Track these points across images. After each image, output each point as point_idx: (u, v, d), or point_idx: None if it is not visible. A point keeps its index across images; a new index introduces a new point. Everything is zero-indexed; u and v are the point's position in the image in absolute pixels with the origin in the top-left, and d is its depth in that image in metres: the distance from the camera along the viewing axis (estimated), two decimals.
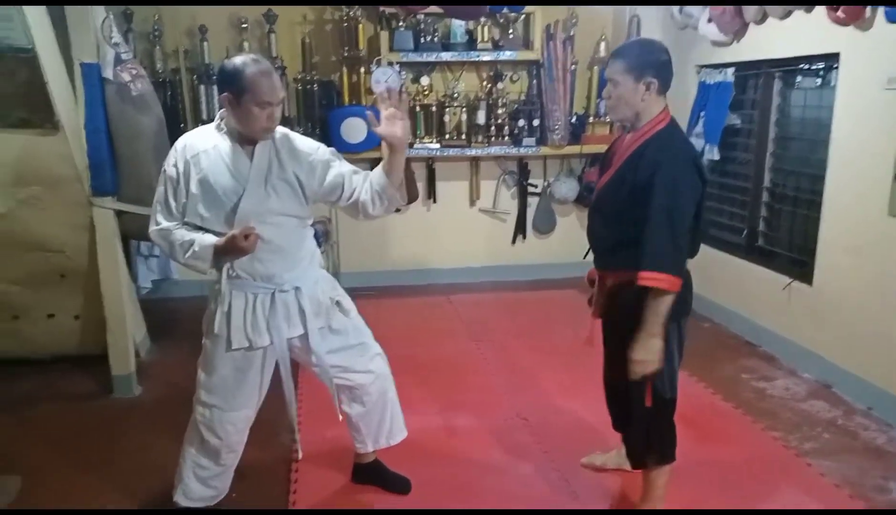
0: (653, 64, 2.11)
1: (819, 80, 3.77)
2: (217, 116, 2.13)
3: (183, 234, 2.07)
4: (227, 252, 2.04)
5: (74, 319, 3.62)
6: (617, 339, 2.23)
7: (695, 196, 2.11)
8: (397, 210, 5.12)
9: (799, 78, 3.94)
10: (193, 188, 2.04)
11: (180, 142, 2.10)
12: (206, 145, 2.07)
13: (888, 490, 2.62)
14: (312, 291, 2.23)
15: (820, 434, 3.04)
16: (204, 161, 2.05)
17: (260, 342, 2.14)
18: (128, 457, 2.88)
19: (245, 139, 2.09)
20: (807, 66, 3.79)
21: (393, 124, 2.06)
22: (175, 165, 2.06)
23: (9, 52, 2.75)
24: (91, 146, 3.07)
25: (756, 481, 2.66)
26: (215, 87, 4.44)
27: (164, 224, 2.09)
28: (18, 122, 2.93)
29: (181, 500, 2.28)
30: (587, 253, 2.43)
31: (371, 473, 2.62)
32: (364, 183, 2.17)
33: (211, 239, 2.05)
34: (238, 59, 2.01)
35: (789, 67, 3.91)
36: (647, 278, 2.03)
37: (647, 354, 2.08)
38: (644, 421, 2.26)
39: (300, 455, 2.61)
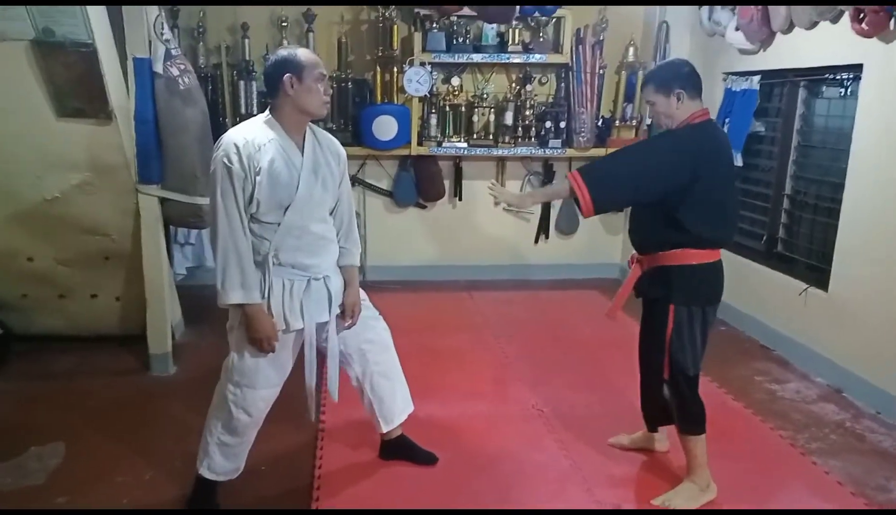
0: (676, 77, 2.39)
1: (842, 90, 3.83)
2: (266, 112, 2.26)
3: (243, 260, 2.16)
4: (250, 325, 2.20)
5: (116, 300, 3.81)
6: (645, 314, 2.59)
7: (674, 168, 2.34)
8: (423, 206, 5.33)
9: (823, 87, 4.00)
10: (258, 179, 2.14)
11: (237, 138, 2.15)
12: (263, 139, 2.18)
13: (889, 489, 2.70)
14: (338, 279, 2.41)
15: (827, 436, 3.12)
16: (266, 153, 2.16)
17: (295, 324, 2.29)
18: (163, 430, 3.06)
19: (295, 131, 2.24)
20: (831, 76, 3.85)
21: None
22: (239, 161, 2.12)
23: (71, 46, 2.93)
24: (140, 136, 3.25)
25: (761, 476, 2.75)
26: (254, 83, 4.65)
27: (235, 220, 2.14)
28: (74, 112, 3.11)
29: (206, 473, 2.41)
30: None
31: (398, 448, 2.77)
32: (339, 228, 2.46)
33: (257, 296, 2.19)
34: (285, 50, 2.23)
35: (814, 77, 3.97)
36: (574, 179, 2.39)
37: (515, 198, 2.85)
38: (659, 389, 2.58)
39: (313, 418, 2.66)
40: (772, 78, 4.28)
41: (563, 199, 2.58)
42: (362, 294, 2.56)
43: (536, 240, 5.59)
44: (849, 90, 3.76)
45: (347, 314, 2.44)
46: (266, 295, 2.24)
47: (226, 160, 2.13)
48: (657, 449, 2.87)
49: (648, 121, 5.05)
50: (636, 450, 2.90)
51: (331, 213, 2.40)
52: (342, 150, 2.43)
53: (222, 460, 2.40)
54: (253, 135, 2.18)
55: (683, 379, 2.48)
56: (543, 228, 5.55)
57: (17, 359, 3.70)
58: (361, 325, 2.51)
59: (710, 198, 2.34)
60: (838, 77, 3.81)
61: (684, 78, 2.39)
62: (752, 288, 4.32)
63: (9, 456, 2.79)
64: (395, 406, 2.66)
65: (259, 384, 2.33)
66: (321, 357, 2.47)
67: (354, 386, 2.60)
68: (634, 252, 2.63)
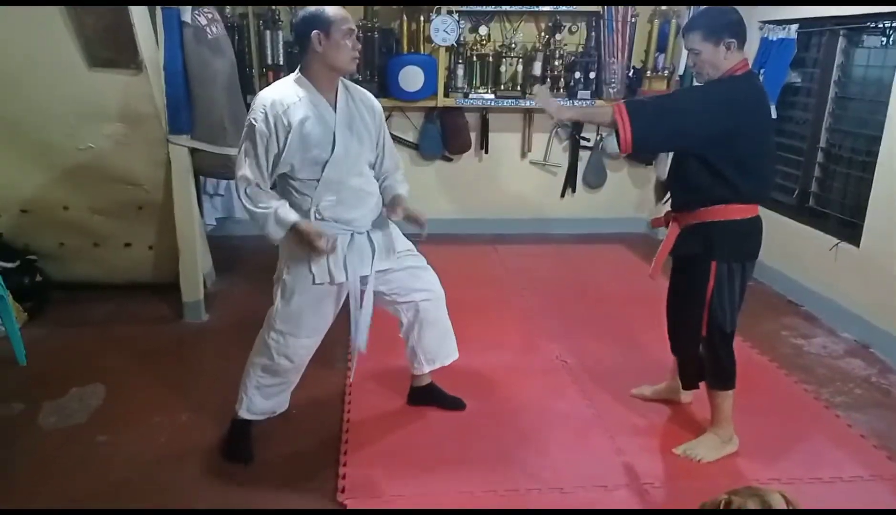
0: (728, 26, 2.30)
1: (884, 39, 3.70)
2: (296, 70, 2.28)
3: (268, 200, 2.22)
4: (301, 240, 2.24)
5: (149, 249, 3.90)
6: (679, 272, 2.57)
7: (713, 116, 2.30)
8: (449, 159, 5.30)
9: (864, 36, 3.87)
10: (288, 140, 2.18)
11: (266, 98, 2.19)
12: (293, 98, 2.20)
13: None
14: (380, 234, 2.45)
15: (852, 390, 3.12)
16: (295, 113, 2.18)
17: (339, 277, 2.35)
18: (198, 374, 3.17)
19: (326, 87, 2.26)
20: (873, 24, 3.72)
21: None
22: (266, 120, 2.16)
23: None
24: (169, 86, 3.27)
25: (783, 429, 2.77)
26: (280, 33, 4.63)
27: (251, 177, 2.20)
28: (105, 62, 3.13)
29: (244, 414, 2.51)
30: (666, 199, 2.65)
31: (427, 394, 2.85)
32: (387, 175, 2.51)
33: (293, 214, 2.23)
34: (313, 6, 2.21)
35: (854, 25, 3.83)
36: (619, 110, 2.31)
37: (551, 104, 2.54)
38: (696, 347, 2.55)
39: (352, 378, 2.83)
40: (810, 27, 4.14)
41: (600, 127, 2.52)
42: (409, 244, 2.61)
43: (563, 194, 5.55)
44: (891, 39, 3.63)
45: (411, 218, 2.48)
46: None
47: (252, 118, 2.20)
48: (680, 400, 2.90)
49: (681, 72, 4.93)
50: (658, 401, 2.94)
51: (371, 167, 2.43)
52: (377, 103, 2.44)
53: (261, 400, 2.50)
54: (282, 94, 2.21)
55: (720, 336, 2.48)
56: (570, 182, 5.51)
57: (56, 306, 3.83)
58: (410, 276, 2.56)
59: (753, 150, 2.32)
60: (880, 25, 3.67)
61: (735, 27, 2.31)
62: (781, 243, 4.27)
63: (52, 397, 2.91)
64: (441, 351, 2.71)
65: (302, 332, 2.40)
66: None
67: (403, 332, 2.66)
68: (667, 211, 2.60)
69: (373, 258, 2.41)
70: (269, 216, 2.22)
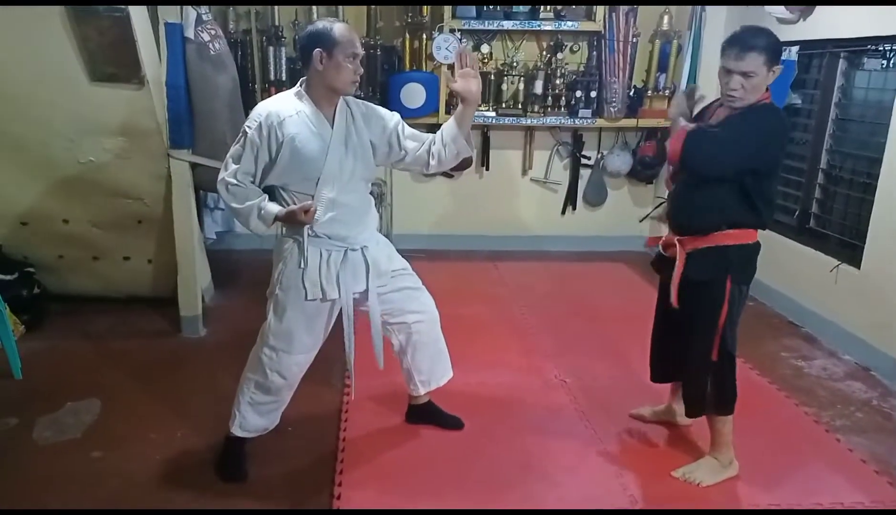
0: (779, 51, 2.25)
1: (884, 62, 3.71)
2: (298, 84, 2.29)
3: (251, 196, 2.24)
4: (287, 221, 2.25)
5: (148, 263, 3.90)
6: (687, 297, 2.44)
7: (767, 152, 2.26)
8: (450, 175, 5.31)
9: (864, 59, 3.88)
10: (280, 152, 2.19)
11: (263, 109, 2.21)
12: (290, 111, 2.21)
13: None
14: (376, 250, 2.43)
15: (853, 413, 3.10)
16: (290, 126, 2.19)
17: (331, 294, 2.33)
18: (194, 390, 3.14)
19: (326, 104, 2.26)
20: (873, 47, 3.73)
21: (467, 81, 2.34)
22: (259, 130, 2.18)
23: (105, 11, 2.96)
24: (171, 101, 3.28)
25: (783, 452, 2.75)
26: (283, 49, 4.65)
27: (234, 180, 2.23)
28: (107, 77, 3.15)
29: (237, 432, 2.48)
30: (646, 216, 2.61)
31: (425, 413, 2.83)
32: (434, 137, 2.42)
33: (274, 207, 2.24)
34: (321, 22, 2.22)
35: (855, 48, 3.85)
36: (679, 136, 2.27)
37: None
38: (707, 374, 2.46)
39: (353, 396, 2.81)
40: (811, 49, 4.15)
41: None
42: (404, 263, 2.58)
43: (563, 211, 5.55)
44: (891, 62, 3.64)
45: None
46: (302, 265, 2.29)
47: (247, 126, 2.23)
48: (679, 422, 2.87)
49: (682, 90, 4.93)
50: (657, 422, 2.92)
51: (368, 184, 2.43)
52: (379, 113, 2.40)
53: (255, 417, 2.48)
54: (280, 107, 2.22)
55: (728, 360, 2.45)
56: (571, 199, 5.51)
57: (53, 319, 3.82)
58: (405, 296, 2.54)
59: (777, 176, 2.35)
60: (881, 48, 3.69)
61: (781, 52, 2.25)
62: (782, 264, 4.26)
63: (47, 411, 2.89)
64: (435, 372, 2.71)
65: (294, 349, 2.39)
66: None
67: (395, 352, 2.65)
68: (665, 235, 2.57)
69: (367, 275, 2.39)
70: (251, 210, 2.23)
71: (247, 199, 2.24)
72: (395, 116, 2.43)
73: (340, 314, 2.41)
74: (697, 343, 2.45)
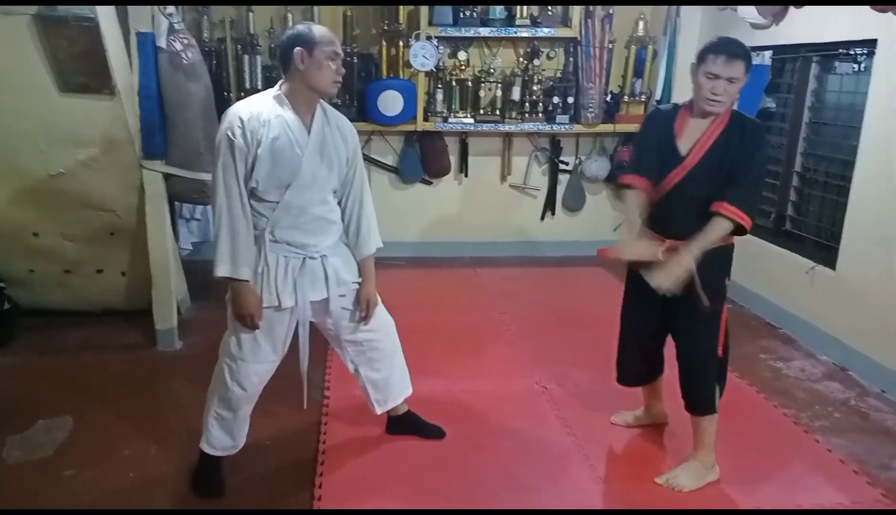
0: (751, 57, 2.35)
1: (856, 66, 3.77)
2: (276, 86, 2.24)
3: (236, 235, 2.16)
4: (235, 300, 2.22)
5: (121, 275, 3.83)
6: (687, 297, 2.39)
7: (764, 174, 2.48)
8: (428, 182, 5.29)
9: (836, 63, 3.93)
10: (258, 155, 2.13)
11: (242, 112, 2.14)
12: (269, 114, 2.16)
13: (893, 468, 2.70)
14: (336, 260, 2.39)
15: (831, 414, 3.12)
16: (270, 130, 2.14)
17: (287, 302, 2.28)
18: (169, 405, 3.08)
19: (305, 109, 2.22)
20: (844, 52, 3.78)
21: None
22: (242, 135, 2.12)
23: (74, 20, 2.92)
24: (143, 111, 3.23)
25: (763, 454, 2.76)
26: (259, 57, 4.61)
27: (234, 195, 2.13)
28: (78, 87, 3.10)
29: (206, 448, 2.44)
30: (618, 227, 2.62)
31: (405, 423, 2.80)
32: (350, 217, 2.43)
33: (244, 272, 2.19)
34: (300, 25, 2.21)
35: (827, 52, 3.90)
36: (736, 214, 2.29)
37: (680, 267, 2.30)
38: (714, 369, 2.49)
39: (305, 406, 2.65)
40: (784, 53, 4.21)
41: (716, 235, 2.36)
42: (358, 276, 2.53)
43: (543, 217, 5.56)
44: (862, 66, 3.70)
45: (362, 307, 2.44)
46: (261, 270, 2.24)
47: (230, 133, 2.13)
48: (662, 422, 2.90)
49: (658, 96, 4.97)
50: (639, 426, 2.92)
51: (335, 195, 2.37)
52: (353, 132, 2.38)
53: (220, 434, 2.43)
54: (259, 109, 2.16)
55: (727, 356, 2.54)
56: (550, 205, 5.52)
57: (25, 334, 3.73)
58: (355, 313, 2.48)
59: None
60: (852, 52, 3.74)
61: None
62: (759, 266, 4.30)
63: (17, 430, 2.82)
64: (391, 391, 2.67)
65: (253, 358, 2.34)
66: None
67: (350, 369, 2.61)
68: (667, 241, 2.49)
69: (327, 284, 2.34)
70: (228, 244, 2.16)
71: (235, 230, 2.16)
72: (357, 140, 2.41)
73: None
74: (706, 340, 2.48)
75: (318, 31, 2.17)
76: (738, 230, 2.33)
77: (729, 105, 2.35)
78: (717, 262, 2.40)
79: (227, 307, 2.33)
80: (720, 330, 2.47)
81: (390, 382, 2.65)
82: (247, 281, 2.20)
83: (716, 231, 2.31)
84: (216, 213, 2.17)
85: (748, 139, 2.34)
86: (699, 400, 2.54)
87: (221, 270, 2.18)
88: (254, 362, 2.35)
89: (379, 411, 2.68)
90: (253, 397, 2.43)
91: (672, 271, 2.29)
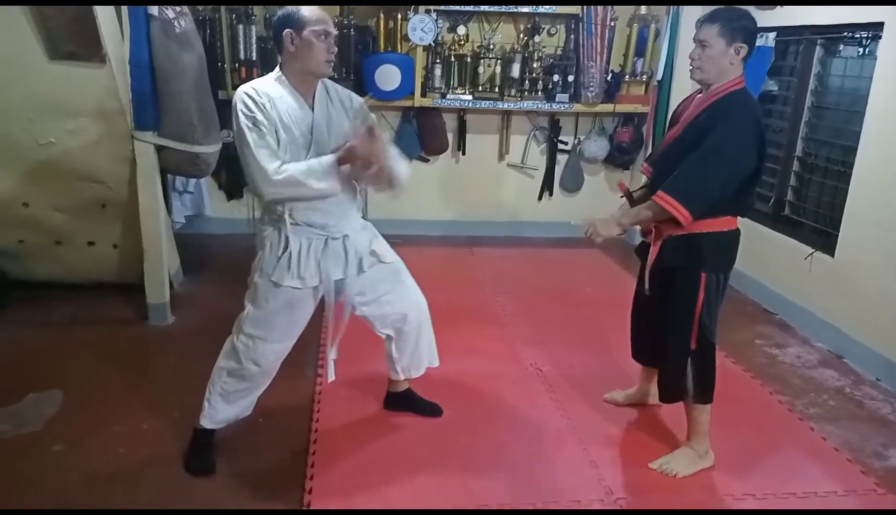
0: (744, 29, 2.22)
1: (860, 50, 3.71)
2: (277, 68, 2.21)
3: (300, 166, 2.10)
4: (349, 161, 2.14)
5: (113, 248, 3.77)
6: (663, 284, 2.43)
7: (748, 156, 2.23)
8: (425, 160, 5.23)
9: (840, 46, 3.88)
10: (278, 130, 2.11)
11: (253, 90, 2.11)
12: (275, 94, 2.13)
13: (886, 456, 2.70)
14: (357, 238, 2.38)
15: (826, 401, 3.12)
16: (279, 108, 2.12)
17: (311, 282, 2.28)
18: (161, 380, 3.05)
19: (305, 88, 2.19)
20: (849, 35, 3.72)
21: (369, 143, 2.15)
22: (264, 110, 2.08)
23: None
24: (135, 80, 3.15)
25: (758, 440, 2.75)
26: (254, 27, 4.52)
27: (273, 165, 2.07)
28: (67, 55, 3.01)
29: (206, 423, 2.42)
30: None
31: (403, 400, 2.80)
32: None
33: (329, 157, 2.13)
34: (289, 6, 2.15)
35: (832, 35, 3.84)
36: (668, 202, 2.23)
37: (605, 228, 2.41)
38: (685, 361, 2.44)
39: (326, 382, 2.66)
40: (787, 35, 4.14)
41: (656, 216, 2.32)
42: (393, 256, 2.54)
43: (540, 197, 5.52)
44: (867, 49, 3.65)
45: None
46: (281, 253, 2.23)
47: (251, 111, 2.08)
48: (650, 403, 2.89)
49: (659, 77, 4.91)
50: (630, 405, 2.92)
51: None
52: (357, 98, 2.35)
53: (225, 407, 2.41)
54: (265, 88, 2.14)
55: (708, 348, 2.44)
56: (548, 185, 5.47)
57: (16, 306, 3.69)
58: (389, 289, 2.49)
59: (758, 166, 2.28)
60: (857, 35, 3.68)
61: (752, 34, 2.24)
62: (756, 252, 4.27)
63: (6, 403, 2.79)
64: (421, 361, 2.67)
65: (273, 336, 2.33)
66: None
67: (380, 334, 2.59)
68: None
69: (346, 263, 2.33)
70: (307, 178, 2.09)
71: (300, 171, 2.10)
72: (359, 100, 2.35)
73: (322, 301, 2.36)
74: (675, 331, 2.45)
75: (307, 10, 2.13)
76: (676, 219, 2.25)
77: (714, 77, 2.26)
78: (689, 252, 2.34)
79: (248, 288, 2.32)
80: (693, 323, 2.39)
81: (422, 352, 2.65)
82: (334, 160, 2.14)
83: (647, 210, 2.33)
84: (270, 186, 2.09)
85: (715, 117, 2.22)
86: (664, 389, 2.56)
87: (334, 186, 2.14)
88: (273, 341, 2.34)
89: (402, 377, 2.69)
90: (270, 373, 2.42)
91: (598, 228, 2.41)
